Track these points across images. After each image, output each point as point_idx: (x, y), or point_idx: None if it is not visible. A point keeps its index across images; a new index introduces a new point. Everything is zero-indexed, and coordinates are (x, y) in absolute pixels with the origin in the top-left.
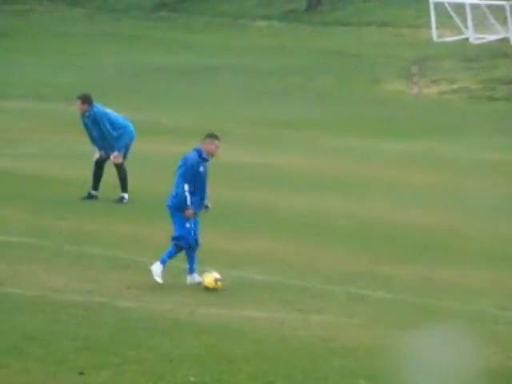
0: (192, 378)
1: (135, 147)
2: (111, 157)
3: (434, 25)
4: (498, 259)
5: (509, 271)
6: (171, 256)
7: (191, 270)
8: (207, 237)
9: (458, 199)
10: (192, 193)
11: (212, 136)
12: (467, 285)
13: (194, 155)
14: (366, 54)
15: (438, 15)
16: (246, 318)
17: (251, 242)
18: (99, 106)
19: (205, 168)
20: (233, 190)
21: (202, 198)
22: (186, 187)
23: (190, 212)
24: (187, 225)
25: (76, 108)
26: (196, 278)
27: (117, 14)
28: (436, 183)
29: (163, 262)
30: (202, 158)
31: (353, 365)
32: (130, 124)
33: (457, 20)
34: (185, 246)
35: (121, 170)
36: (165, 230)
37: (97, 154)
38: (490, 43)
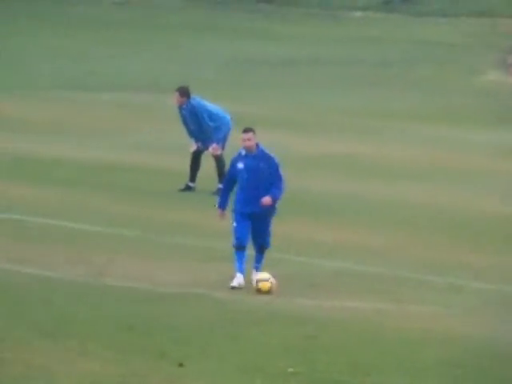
0: (290, 369)
1: (233, 138)
2: (210, 148)
3: None
4: None
5: None
6: (236, 259)
7: (255, 268)
8: (304, 228)
9: None
10: (240, 191)
11: (242, 131)
12: None
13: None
14: (462, 43)
15: None
16: (344, 308)
17: (343, 232)
18: (197, 99)
19: (247, 164)
20: (325, 181)
21: (255, 196)
22: (221, 186)
23: (218, 212)
24: (234, 224)
25: (173, 100)
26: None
27: (213, 6)
28: None
29: (237, 270)
30: (241, 155)
31: (450, 355)
32: (227, 115)
33: None
34: (232, 244)
35: (219, 161)
36: None
37: (194, 146)
38: None
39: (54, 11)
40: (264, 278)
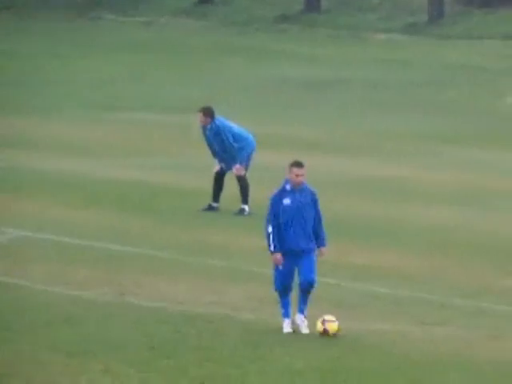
0: None
1: (258, 159)
2: (233, 169)
3: None
4: None
5: None
6: (283, 305)
7: (298, 309)
8: (337, 250)
9: None
10: (284, 230)
11: (291, 164)
12: None
13: (276, 190)
14: (489, 66)
15: None
16: (370, 330)
17: (376, 255)
18: (221, 119)
19: (294, 200)
20: (361, 204)
21: (303, 233)
22: (270, 229)
23: (275, 257)
24: (280, 267)
25: (198, 120)
26: (298, 319)
27: (239, 27)
28: None
29: (283, 316)
30: (286, 190)
31: (476, 380)
32: (251, 136)
33: None
34: (276, 288)
35: (242, 181)
36: None
37: (217, 167)
38: None
39: (86, 34)
40: (331, 318)
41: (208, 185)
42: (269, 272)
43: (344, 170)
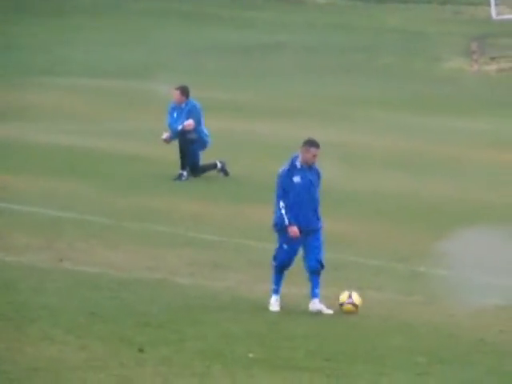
0: (251, 355)
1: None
2: (184, 124)
3: (492, 2)
4: None
5: None
6: (275, 281)
7: (313, 295)
8: (268, 215)
9: None
10: (290, 207)
11: (307, 143)
12: None
13: (284, 166)
14: (426, 31)
15: None
16: (306, 295)
17: None
18: (195, 102)
19: (304, 177)
20: None
21: (311, 212)
22: (281, 203)
23: (292, 230)
24: (284, 246)
25: (173, 97)
26: (316, 305)
27: None
28: (495, 160)
29: (273, 292)
30: (296, 167)
31: (410, 342)
32: (210, 139)
33: None
34: (276, 264)
35: (185, 148)
36: (224, 208)
37: (166, 134)
38: None
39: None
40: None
41: (151, 151)
42: (207, 238)
43: (281, 133)
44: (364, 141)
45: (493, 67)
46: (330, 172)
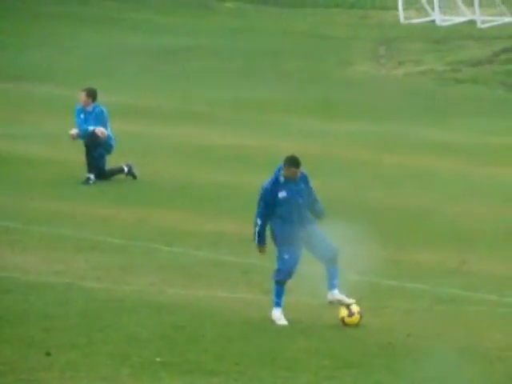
0: (158, 359)
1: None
2: (96, 130)
3: (400, 7)
4: (469, 241)
5: (479, 253)
6: (278, 295)
7: (331, 286)
8: (178, 218)
9: (427, 181)
10: (283, 221)
11: (287, 163)
12: (436, 266)
13: (268, 181)
14: (334, 35)
15: None
16: (214, 298)
17: (221, 223)
18: (102, 107)
19: (290, 191)
20: (203, 171)
21: (303, 217)
22: (258, 221)
23: (260, 249)
24: (286, 256)
25: (79, 99)
26: (336, 295)
27: None
28: (405, 164)
29: (277, 305)
30: (279, 182)
31: (318, 345)
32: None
33: (423, 2)
34: (282, 279)
35: (92, 151)
36: (133, 211)
37: (74, 130)
38: (456, 25)
39: None
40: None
41: (59, 154)
42: (115, 241)
43: (187, 137)
44: (271, 145)
45: (400, 71)
46: (235, 175)
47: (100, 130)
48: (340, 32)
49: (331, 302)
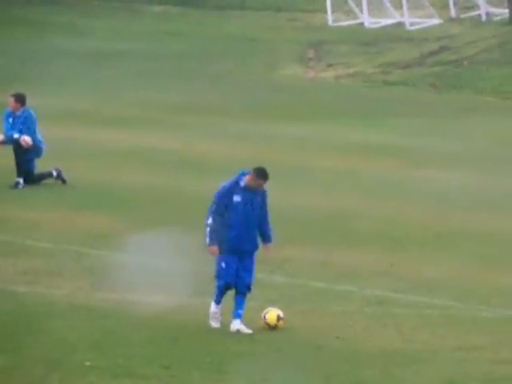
0: (88, 363)
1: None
2: (21, 139)
3: (329, 9)
4: (398, 243)
5: (409, 255)
6: (216, 298)
7: (235, 315)
8: (104, 222)
9: (357, 183)
10: (230, 229)
11: (257, 173)
12: (365, 268)
13: (228, 181)
14: (262, 38)
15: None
16: (144, 303)
17: (153, 227)
18: (31, 111)
19: (245, 198)
20: (130, 174)
21: (249, 233)
22: (209, 221)
23: (211, 249)
24: (223, 264)
25: (9, 104)
26: (236, 325)
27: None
28: (335, 167)
29: (216, 302)
30: (239, 185)
31: (249, 348)
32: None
33: (352, 4)
34: (219, 285)
35: (21, 155)
36: (61, 216)
37: (0, 136)
38: (385, 27)
39: None
40: (280, 315)
41: None
42: (43, 246)
43: (119, 141)
44: (200, 148)
45: (330, 74)
46: (163, 179)
47: (24, 140)
48: (268, 35)
49: (232, 331)
